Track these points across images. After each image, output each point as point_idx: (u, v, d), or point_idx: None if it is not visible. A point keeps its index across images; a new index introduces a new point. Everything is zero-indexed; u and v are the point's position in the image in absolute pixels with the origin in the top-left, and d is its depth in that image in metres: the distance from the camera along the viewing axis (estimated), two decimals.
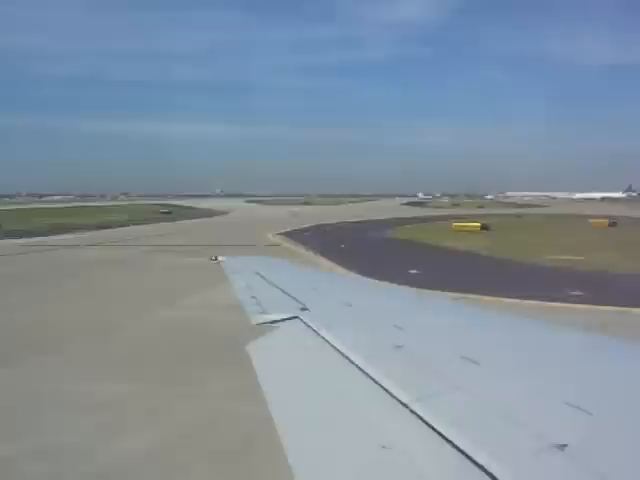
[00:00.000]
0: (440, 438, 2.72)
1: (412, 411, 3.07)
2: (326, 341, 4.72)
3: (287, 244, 67.54)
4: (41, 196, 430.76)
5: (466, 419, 2.91)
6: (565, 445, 2.43)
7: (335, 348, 4.49)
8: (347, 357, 4.21)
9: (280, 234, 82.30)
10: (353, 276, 40.55)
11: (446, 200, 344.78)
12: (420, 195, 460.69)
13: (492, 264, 50.72)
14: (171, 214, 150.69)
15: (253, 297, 7.03)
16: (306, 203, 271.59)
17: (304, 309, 5.91)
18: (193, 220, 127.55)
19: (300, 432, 3.41)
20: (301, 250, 60.50)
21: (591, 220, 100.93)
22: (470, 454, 2.50)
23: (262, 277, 8.59)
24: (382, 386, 3.50)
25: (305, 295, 6.73)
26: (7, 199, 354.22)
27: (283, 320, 5.64)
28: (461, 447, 2.58)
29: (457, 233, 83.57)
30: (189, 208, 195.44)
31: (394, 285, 34.56)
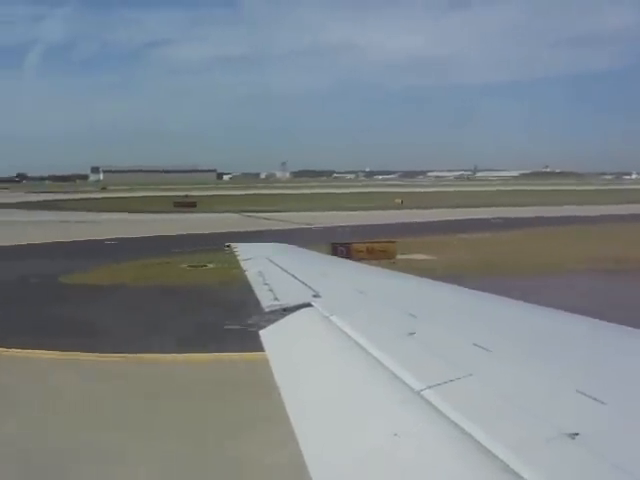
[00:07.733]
0: (452, 426, 2.71)
1: (424, 399, 3.06)
2: (338, 328, 4.72)
3: None
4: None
5: (478, 407, 2.91)
6: (577, 434, 2.42)
7: (347, 335, 4.49)
8: (359, 344, 4.21)
9: None
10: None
11: None
12: None
13: None
14: None
15: (265, 284, 7.04)
16: None
17: (316, 296, 5.90)
18: None
19: (311, 419, 3.44)
20: None
21: None
22: (482, 442, 2.50)
23: (275, 264, 8.61)
24: (394, 373, 3.51)
25: (317, 282, 6.73)
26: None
27: (295, 307, 5.66)
28: (472, 435, 2.58)
29: None
30: None
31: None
